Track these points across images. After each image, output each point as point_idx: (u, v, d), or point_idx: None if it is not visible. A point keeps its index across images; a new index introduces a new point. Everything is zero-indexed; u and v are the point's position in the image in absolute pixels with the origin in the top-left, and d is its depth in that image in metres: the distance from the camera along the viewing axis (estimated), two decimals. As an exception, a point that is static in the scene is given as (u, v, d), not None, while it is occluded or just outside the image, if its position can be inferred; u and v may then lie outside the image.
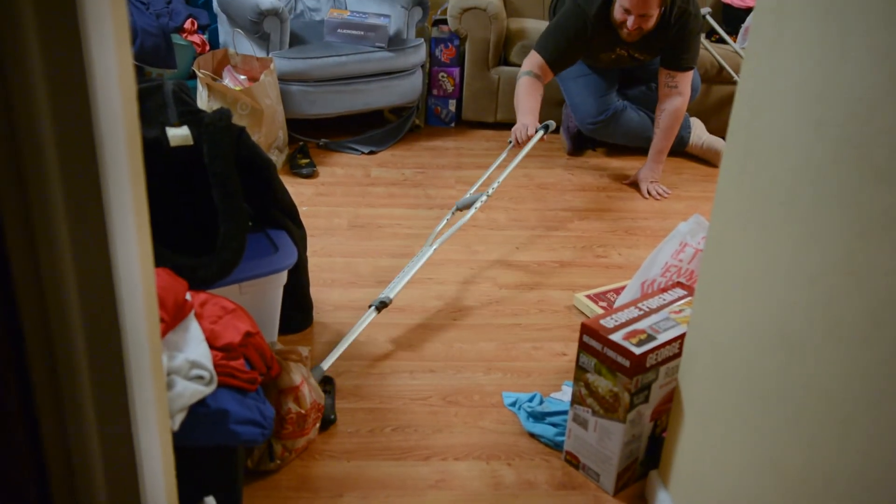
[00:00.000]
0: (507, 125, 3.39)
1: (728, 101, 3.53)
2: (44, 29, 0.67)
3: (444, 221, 2.52)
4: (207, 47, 3.56)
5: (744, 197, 1.27)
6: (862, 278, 1.00)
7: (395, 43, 3.45)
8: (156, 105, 1.80)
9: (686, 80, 3.08)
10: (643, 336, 1.55)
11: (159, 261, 1.27)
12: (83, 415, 0.81)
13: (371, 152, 3.40)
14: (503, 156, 2.81)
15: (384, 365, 2.03)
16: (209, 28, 3.66)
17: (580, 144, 3.53)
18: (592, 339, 1.58)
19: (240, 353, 1.50)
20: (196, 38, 3.52)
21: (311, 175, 3.13)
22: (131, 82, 0.75)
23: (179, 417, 1.32)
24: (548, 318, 2.29)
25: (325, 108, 3.36)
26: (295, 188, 2.94)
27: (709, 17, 3.65)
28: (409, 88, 3.53)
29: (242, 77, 3.12)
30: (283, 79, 3.22)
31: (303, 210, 2.18)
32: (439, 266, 2.49)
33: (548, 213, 2.95)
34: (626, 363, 1.52)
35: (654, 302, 1.69)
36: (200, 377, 1.37)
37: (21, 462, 0.82)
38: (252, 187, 1.89)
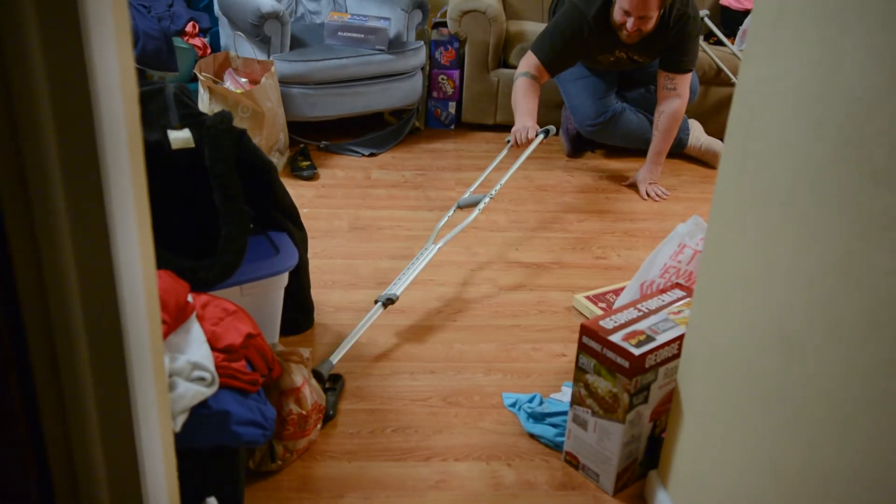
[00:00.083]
0: (507, 127, 3.40)
1: (726, 102, 3.53)
2: (45, 30, 0.67)
3: (446, 219, 2.53)
4: (209, 50, 3.56)
5: (742, 198, 1.28)
6: (861, 279, 1.00)
7: (395, 46, 3.46)
8: (157, 108, 1.81)
9: (685, 83, 3.09)
10: (642, 337, 1.56)
11: (161, 263, 1.27)
12: (85, 416, 0.82)
13: (371, 154, 3.41)
14: (501, 156, 2.82)
15: (385, 366, 2.04)
16: (210, 31, 3.67)
17: (579, 146, 3.53)
18: (592, 340, 1.58)
19: (241, 355, 1.51)
20: (197, 42, 3.53)
21: (312, 177, 3.14)
22: (133, 84, 0.75)
23: (181, 419, 1.32)
24: (547, 319, 2.29)
25: (326, 110, 3.37)
26: (296, 190, 2.94)
27: (707, 20, 3.66)
28: (409, 91, 3.54)
29: (243, 80, 3.13)
30: (284, 81, 3.23)
31: (303, 212, 2.19)
32: (439, 267, 2.50)
33: (547, 215, 2.95)
34: (626, 364, 1.52)
35: (653, 303, 1.69)
36: (202, 378, 1.37)
37: (24, 463, 0.83)
38: (253, 190, 1.89)
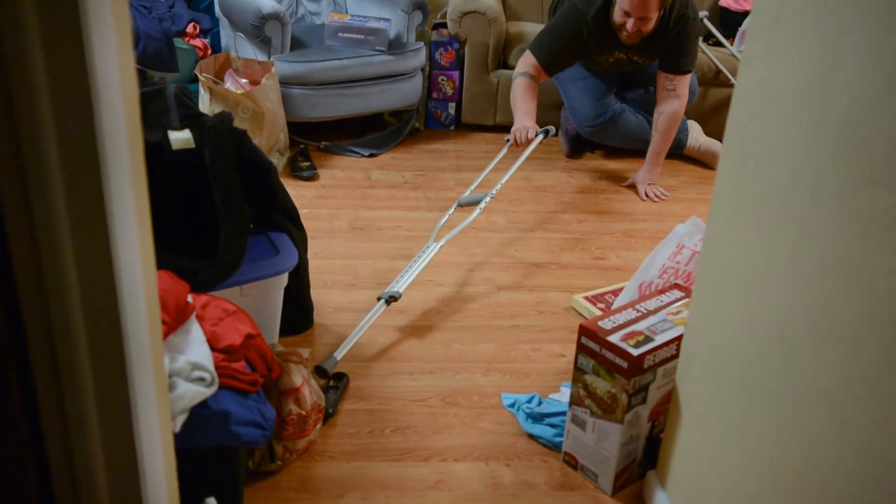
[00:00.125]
0: (506, 128, 3.40)
1: (725, 103, 3.53)
2: (46, 30, 0.67)
3: (446, 217, 2.54)
4: (209, 51, 3.57)
5: (741, 199, 1.28)
6: (860, 279, 1.00)
7: (396, 47, 3.46)
8: (158, 109, 1.81)
9: (684, 84, 3.09)
10: (641, 337, 1.56)
11: (161, 263, 1.27)
12: (85, 416, 0.82)
13: (371, 155, 3.41)
14: (501, 154, 2.83)
15: (384, 366, 2.04)
16: (211, 32, 3.68)
17: (579, 147, 3.54)
18: (590, 341, 1.58)
19: (241, 355, 1.51)
20: (198, 42, 3.54)
21: (312, 178, 3.14)
22: (133, 84, 0.76)
23: (181, 419, 1.32)
24: (546, 319, 2.30)
25: (326, 111, 3.37)
26: (296, 191, 2.95)
27: (706, 21, 3.66)
28: (409, 92, 3.54)
29: (244, 80, 3.13)
30: (285, 82, 3.23)
31: (303, 212, 2.19)
32: (439, 268, 2.50)
33: (546, 216, 2.96)
34: (624, 364, 1.52)
35: (651, 303, 1.69)
36: (202, 379, 1.37)
37: (24, 463, 0.83)
38: (253, 190, 1.90)
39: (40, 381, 0.79)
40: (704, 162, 3.48)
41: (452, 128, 3.78)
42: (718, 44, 3.72)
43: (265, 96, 3.02)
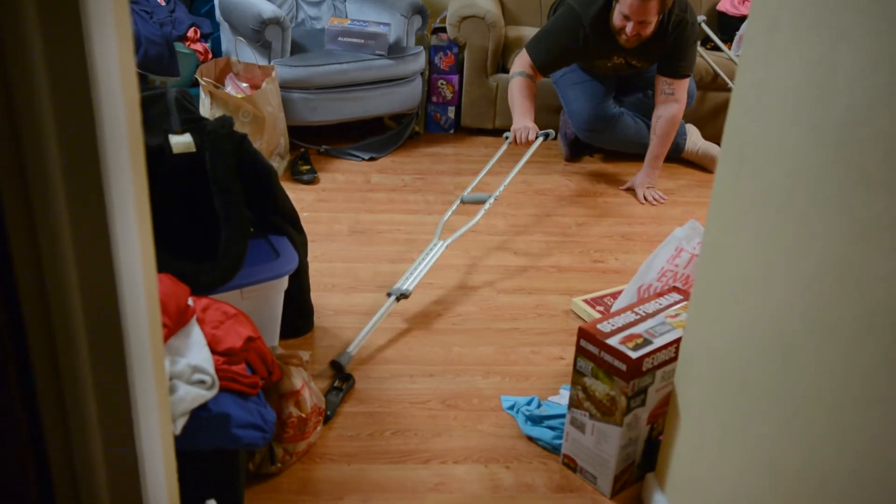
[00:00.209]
0: (505, 131, 3.41)
1: (723, 107, 3.54)
2: (47, 33, 0.67)
3: (450, 213, 2.55)
4: (210, 55, 3.58)
5: (739, 202, 1.29)
6: (857, 282, 1.01)
7: (395, 51, 3.47)
8: (159, 113, 1.82)
9: (682, 88, 3.10)
10: (640, 340, 1.56)
11: (161, 267, 1.28)
12: (85, 416, 0.82)
13: (371, 158, 3.42)
14: (500, 153, 2.85)
15: (384, 369, 2.04)
16: (212, 36, 3.68)
17: (577, 150, 3.54)
18: (589, 344, 1.59)
19: (241, 358, 1.51)
20: (199, 47, 3.54)
21: (312, 181, 3.15)
22: (134, 87, 0.76)
23: (181, 421, 1.33)
24: (546, 322, 2.30)
25: (326, 115, 3.38)
26: (296, 194, 2.95)
27: (704, 25, 3.67)
28: (408, 95, 3.55)
29: (244, 85, 3.14)
30: (285, 86, 3.24)
31: (304, 216, 2.19)
32: (438, 271, 2.51)
33: (545, 219, 2.96)
34: (623, 367, 1.53)
35: (650, 306, 1.70)
36: (202, 381, 1.38)
37: (24, 463, 0.83)
38: (253, 194, 1.90)
39: (40, 382, 0.79)
40: (703, 165, 3.49)
41: (452, 131, 3.79)
42: (716, 48, 3.73)
43: (266, 100, 3.02)
